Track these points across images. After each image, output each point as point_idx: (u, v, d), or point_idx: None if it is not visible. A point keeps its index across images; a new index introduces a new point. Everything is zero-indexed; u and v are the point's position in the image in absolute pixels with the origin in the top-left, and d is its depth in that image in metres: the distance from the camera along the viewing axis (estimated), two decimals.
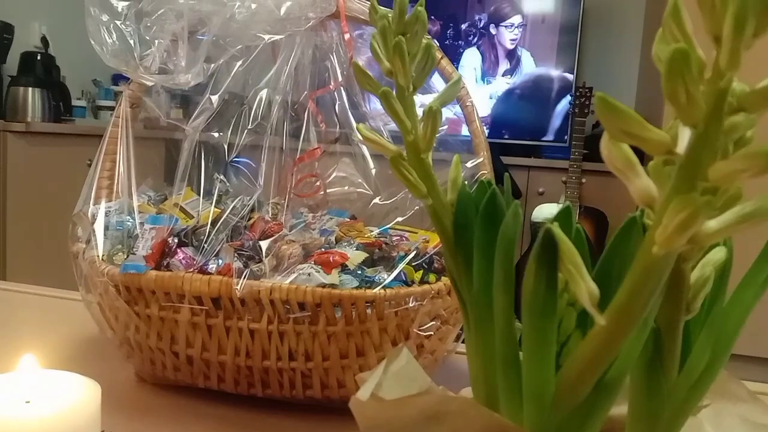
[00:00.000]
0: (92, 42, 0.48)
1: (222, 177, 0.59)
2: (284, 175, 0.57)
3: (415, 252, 0.61)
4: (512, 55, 3.39)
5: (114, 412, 0.48)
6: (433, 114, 0.26)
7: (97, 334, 0.73)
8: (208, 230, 0.52)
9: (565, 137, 3.22)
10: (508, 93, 3.38)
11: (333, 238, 0.60)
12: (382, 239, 0.61)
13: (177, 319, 0.52)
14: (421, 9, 0.28)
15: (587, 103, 3.07)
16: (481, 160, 0.59)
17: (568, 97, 3.25)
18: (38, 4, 3.20)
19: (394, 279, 0.54)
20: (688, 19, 0.16)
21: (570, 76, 3.30)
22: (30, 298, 0.89)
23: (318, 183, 0.59)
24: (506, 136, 3.32)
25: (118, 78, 3.81)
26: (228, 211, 0.53)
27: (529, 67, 3.37)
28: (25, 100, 2.53)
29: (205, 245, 0.51)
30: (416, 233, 0.68)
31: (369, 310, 0.50)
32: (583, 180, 2.97)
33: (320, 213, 0.67)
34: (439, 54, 0.61)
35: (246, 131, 0.55)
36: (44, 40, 3.12)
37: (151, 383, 0.59)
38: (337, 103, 0.59)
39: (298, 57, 0.58)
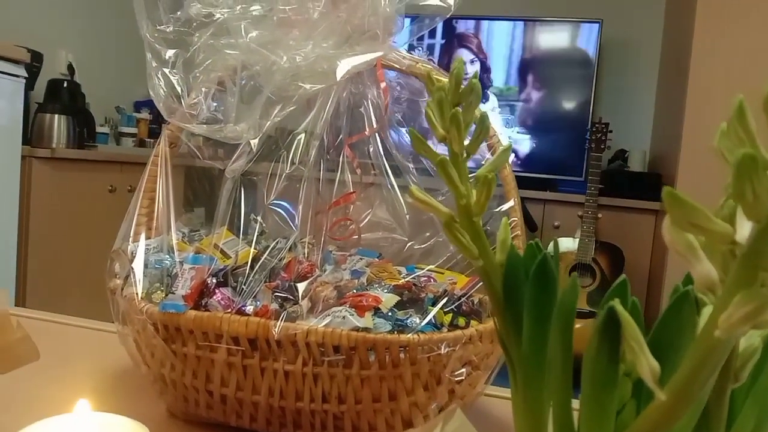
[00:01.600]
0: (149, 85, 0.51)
1: (258, 218, 0.61)
2: (319, 218, 0.58)
3: (444, 294, 0.62)
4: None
5: None
6: (487, 182, 0.28)
7: (126, 366, 0.74)
8: (247, 271, 0.53)
9: (582, 172, 3.24)
10: (525, 127, 3.40)
11: (364, 280, 0.61)
12: (411, 281, 0.62)
13: (213, 358, 0.53)
14: (475, 81, 0.29)
15: (603, 138, 3.08)
16: (512, 205, 0.60)
17: (585, 132, 3.27)
18: (66, 33, 3.29)
19: (407, 322, 0.55)
20: (752, 119, 0.17)
21: (586, 111, 3.31)
22: (52, 327, 0.90)
23: (352, 227, 0.60)
24: (522, 170, 3.34)
25: (140, 105, 3.88)
26: (267, 253, 0.55)
27: (546, 101, 3.40)
28: (50, 126, 2.59)
29: (244, 286, 0.53)
30: (443, 273, 0.69)
31: (402, 355, 0.51)
32: (599, 215, 2.96)
33: (349, 252, 0.68)
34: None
35: (284, 175, 0.57)
36: (70, 68, 3.20)
37: (183, 419, 0.60)
38: (372, 148, 0.61)
39: (334, 103, 0.60)
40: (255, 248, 0.60)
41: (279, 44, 0.53)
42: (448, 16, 0.49)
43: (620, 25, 3.61)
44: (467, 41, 3.48)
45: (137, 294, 0.56)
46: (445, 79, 0.61)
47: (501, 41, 3.44)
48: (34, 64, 2.39)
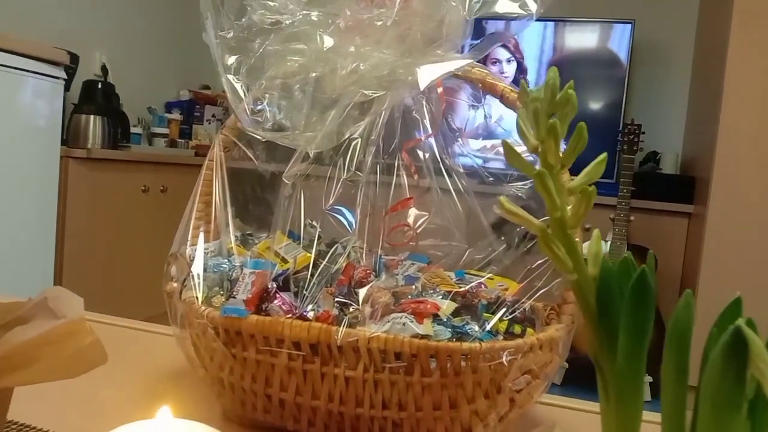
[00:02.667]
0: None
1: (313, 222, 0.61)
2: (376, 224, 0.58)
3: (497, 301, 0.61)
4: None
5: None
6: (588, 194, 0.27)
7: (179, 369, 0.75)
8: (308, 276, 0.53)
9: (613, 174, 3.20)
10: None
11: (419, 286, 0.61)
12: (465, 287, 0.62)
13: (274, 363, 0.53)
14: (571, 92, 0.29)
15: (636, 140, 3.04)
16: None
17: (617, 134, 3.23)
18: (99, 34, 3.34)
19: (466, 329, 0.55)
20: None
21: (618, 113, 3.28)
22: (95, 327, 0.91)
23: (410, 233, 0.60)
24: None
25: (171, 106, 3.93)
26: (327, 258, 0.55)
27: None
28: (86, 127, 2.63)
29: (305, 291, 0.53)
30: (493, 279, 0.69)
31: (463, 363, 0.51)
32: (632, 217, 2.92)
33: (399, 258, 0.68)
34: None
35: (341, 180, 0.57)
36: (104, 69, 3.25)
37: (239, 423, 0.61)
38: (428, 153, 0.61)
39: (390, 109, 0.60)
40: (312, 253, 0.60)
41: (341, 50, 0.53)
42: (529, 24, 0.49)
43: (653, 26, 3.56)
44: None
45: (197, 298, 0.56)
46: (503, 84, 0.61)
47: (532, 42, 3.41)
48: (70, 65, 2.44)
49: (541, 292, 0.62)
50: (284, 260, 0.60)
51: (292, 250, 0.61)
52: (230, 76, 0.52)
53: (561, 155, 0.29)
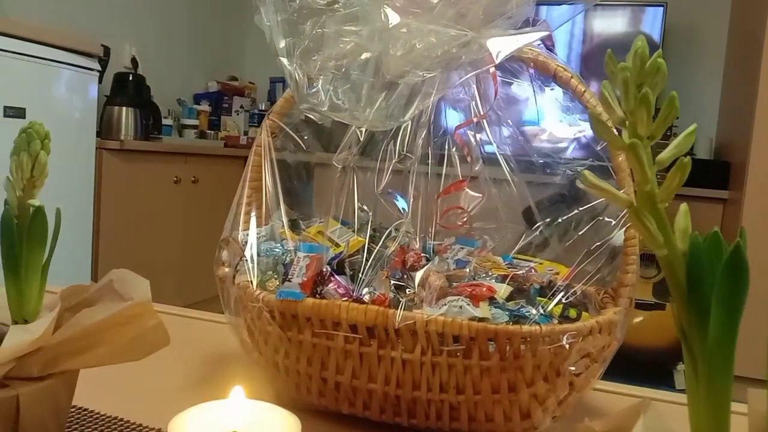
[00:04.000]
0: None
1: (364, 207, 0.61)
2: (428, 208, 0.58)
3: (550, 285, 0.61)
4: None
5: None
6: (683, 166, 0.26)
7: (226, 353, 0.75)
8: (364, 260, 0.53)
9: None
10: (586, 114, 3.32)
11: (471, 269, 0.60)
12: (517, 271, 0.61)
13: (330, 346, 0.53)
14: (661, 61, 0.28)
15: (670, 125, 2.98)
16: (629, 193, 0.58)
17: None
18: (129, 26, 3.38)
19: (524, 312, 0.54)
20: None
21: None
22: None
23: (465, 216, 0.59)
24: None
25: (199, 98, 3.96)
26: (381, 242, 0.54)
27: None
28: (119, 119, 2.66)
29: (361, 274, 0.53)
30: (542, 264, 0.68)
31: (522, 346, 0.50)
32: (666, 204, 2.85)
33: (448, 242, 0.68)
34: (582, 86, 0.61)
35: (392, 163, 0.56)
36: (134, 61, 3.28)
37: (291, 407, 0.61)
38: (480, 134, 0.60)
39: (437, 91, 0.59)
40: (363, 237, 0.60)
41: (395, 31, 0.52)
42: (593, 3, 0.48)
43: (685, 9, 3.48)
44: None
45: (252, 282, 0.56)
46: (556, 63, 0.59)
47: (561, 27, 3.36)
48: (103, 58, 2.47)
49: (595, 277, 0.61)
50: (336, 244, 0.60)
51: (343, 235, 0.61)
52: (284, 59, 0.52)
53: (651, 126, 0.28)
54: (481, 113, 0.59)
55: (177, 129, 3.40)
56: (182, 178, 2.93)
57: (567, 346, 0.50)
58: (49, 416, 0.42)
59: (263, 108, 4.23)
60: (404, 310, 0.51)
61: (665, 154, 0.29)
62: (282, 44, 0.53)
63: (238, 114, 3.94)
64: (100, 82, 2.77)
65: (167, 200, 2.83)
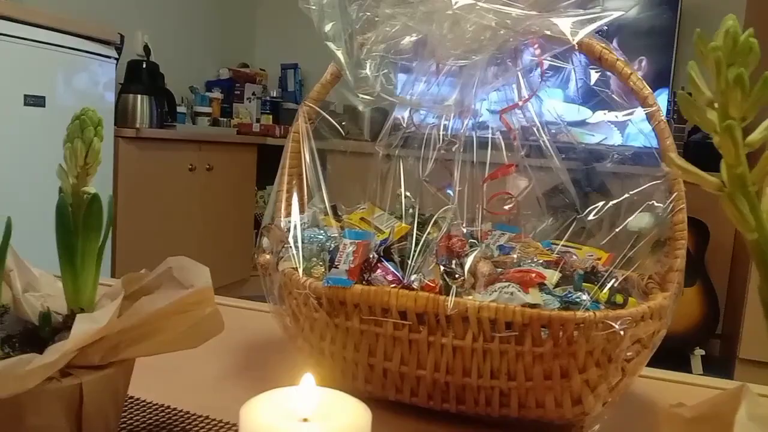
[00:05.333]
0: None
1: (407, 193, 0.60)
2: (474, 193, 0.57)
3: (594, 271, 0.60)
4: None
5: None
6: None
7: (264, 340, 0.75)
8: (413, 246, 0.52)
9: None
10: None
11: (516, 256, 0.60)
12: (562, 257, 0.61)
13: (378, 332, 0.53)
14: (754, 40, 0.27)
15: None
16: (676, 178, 0.57)
17: (665, 103, 3.14)
18: (141, 14, 3.36)
19: (575, 298, 0.54)
20: None
21: (666, 80, 3.18)
22: None
23: (512, 202, 0.59)
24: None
25: (211, 85, 3.95)
26: (428, 228, 0.54)
27: None
28: (134, 106, 2.66)
29: (409, 261, 0.52)
30: (581, 249, 0.67)
31: (575, 332, 0.50)
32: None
33: (486, 228, 0.67)
34: (628, 69, 0.60)
35: (437, 148, 0.56)
36: (146, 49, 3.27)
37: None
38: (524, 118, 0.59)
39: (482, 74, 0.58)
40: (407, 223, 0.60)
41: (442, 14, 0.51)
42: None
43: None
44: None
45: (298, 269, 0.56)
46: (601, 45, 0.58)
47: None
48: (118, 45, 2.46)
49: (637, 263, 0.61)
50: (379, 230, 0.59)
51: (387, 221, 0.60)
52: (330, 43, 0.51)
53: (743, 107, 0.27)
54: (526, 97, 0.58)
55: (190, 116, 3.39)
56: (197, 166, 2.93)
57: (621, 332, 0.49)
58: (109, 404, 0.42)
59: (275, 95, 4.22)
60: (454, 296, 0.51)
61: (755, 136, 0.28)
62: (328, 28, 0.52)
63: (250, 101, 3.93)
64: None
65: (183, 188, 2.84)
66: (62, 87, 2.05)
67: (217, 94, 3.76)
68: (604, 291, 0.57)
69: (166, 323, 0.41)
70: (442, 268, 0.52)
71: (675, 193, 0.58)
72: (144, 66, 2.89)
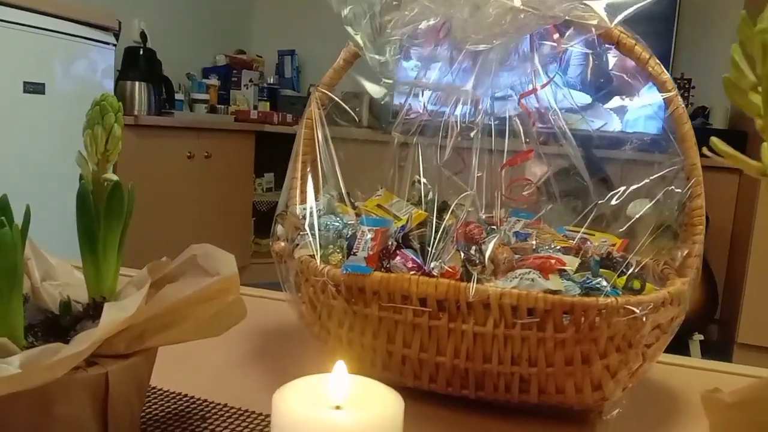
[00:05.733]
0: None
1: (424, 180, 0.60)
2: (493, 179, 0.57)
3: (610, 257, 0.60)
4: None
5: None
6: None
7: (278, 329, 0.75)
8: (432, 233, 0.52)
9: (662, 130, 3.09)
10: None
11: (534, 242, 0.60)
12: (580, 243, 0.61)
13: (397, 319, 0.53)
14: None
15: (685, 95, 2.95)
16: (694, 163, 0.57)
17: None
18: (137, 0, 3.33)
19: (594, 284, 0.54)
20: None
21: (666, 66, 3.16)
22: None
23: (532, 188, 0.58)
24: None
25: (207, 72, 3.93)
26: (448, 214, 0.54)
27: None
28: (132, 94, 2.64)
29: (429, 248, 0.52)
30: (594, 235, 0.67)
31: (597, 318, 0.50)
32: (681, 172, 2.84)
33: (501, 214, 0.67)
34: (646, 54, 0.60)
35: (454, 135, 0.55)
36: (143, 35, 3.24)
37: None
38: (543, 103, 0.59)
39: (500, 58, 0.58)
40: (423, 210, 0.59)
41: None
42: None
43: None
44: None
45: (315, 256, 0.56)
46: (619, 29, 0.58)
47: None
48: (116, 31, 2.43)
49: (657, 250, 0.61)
50: (396, 217, 0.59)
51: (402, 208, 0.60)
52: (349, 27, 0.50)
53: None
54: (544, 81, 0.58)
55: (188, 104, 3.37)
56: (195, 154, 2.91)
57: (643, 318, 0.49)
58: (133, 393, 0.42)
59: (272, 82, 4.19)
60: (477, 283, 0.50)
61: None
62: (347, 11, 0.51)
63: (247, 88, 3.90)
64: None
65: (181, 176, 2.82)
66: (61, 74, 2.02)
67: (214, 80, 3.74)
68: (621, 276, 0.57)
69: (190, 311, 0.41)
70: (462, 254, 0.51)
71: (693, 179, 0.58)
72: (141, 53, 2.86)
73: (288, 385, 0.35)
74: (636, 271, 0.61)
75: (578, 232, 0.66)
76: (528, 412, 0.55)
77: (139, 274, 0.42)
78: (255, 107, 3.83)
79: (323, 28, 4.35)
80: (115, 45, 2.32)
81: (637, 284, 0.58)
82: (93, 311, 0.43)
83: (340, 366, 0.35)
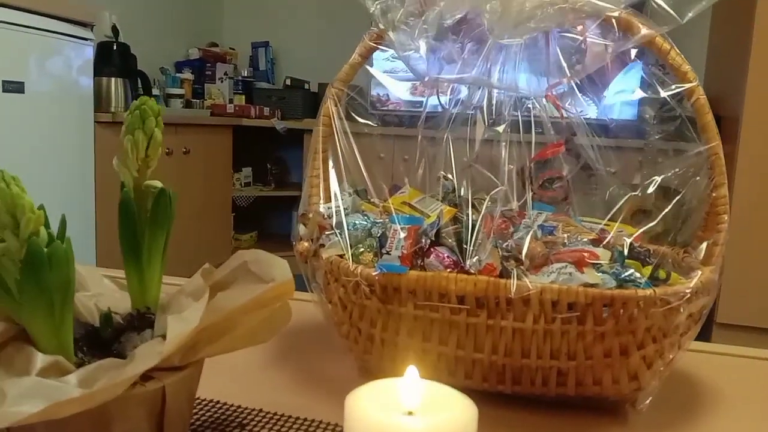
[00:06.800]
0: None
1: (448, 175, 0.59)
2: (523, 173, 0.57)
3: (633, 248, 0.60)
4: None
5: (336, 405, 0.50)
6: None
7: (300, 329, 0.74)
8: (469, 229, 0.52)
9: (636, 115, 3.13)
10: None
11: (564, 235, 0.60)
12: (605, 235, 0.61)
13: (434, 318, 0.53)
14: None
15: (661, 81, 2.98)
16: (717, 153, 0.58)
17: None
18: None
19: (628, 276, 0.54)
20: None
21: (641, 53, 3.19)
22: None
23: (561, 183, 0.58)
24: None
25: (181, 66, 3.86)
26: (483, 210, 0.53)
27: None
28: (108, 90, 2.58)
29: (467, 245, 0.52)
30: (609, 225, 0.68)
31: (635, 310, 0.50)
32: (659, 159, 2.88)
33: (521, 207, 0.67)
34: (667, 45, 0.60)
35: (483, 131, 0.55)
36: (114, 29, 3.17)
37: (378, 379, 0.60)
38: (570, 96, 0.59)
39: (527, 51, 0.58)
40: (448, 206, 0.59)
41: None
42: None
43: None
44: None
45: (348, 257, 0.55)
46: (639, 20, 0.58)
47: None
48: (94, 25, 2.37)
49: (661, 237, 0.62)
50: (425, 214, 0.59)
51: (429, 205, 0.59)
52: (377, 20, 0.50)
53: None
54: (569, 75, 0.57)
55: (163, 98, 3.31)
56: (174, 150, 2.86)
57: (681, 309, 0.50)
58: (185, 405, 0.41)
59: (246, 75, 4.14)
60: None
61: None
62: (374, 7, 0.50)
63: (222, 81, 3.85)
64: None
65: (161, 172, 2.76)
66: (40, 72, 1.96)
67: (187, 74, 3.68)
68: (646, 266, 0.58)
69: (241, 319, 0.40)
70: (500, 251, 0.51)
71: (716, 168, 0.59)
72: (114, 48, 2.79)
73: (359, 389, 0.34)
74: (658, 260, 0.62)
75: (593, 223, 0.67)
76: (562, 404, 0.56)
77: (190, 282, 0.41)
78: (230, 101, 3.78)
79: (296, 18, 4.31)
80: (93, 40, 2.26)
81: (662, 274, 0.58)
82: (138, 323, 0.42)
83: (412, 371, 0.35)
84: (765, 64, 2.64)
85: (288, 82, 3.93)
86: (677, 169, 0.57)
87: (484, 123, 0.56)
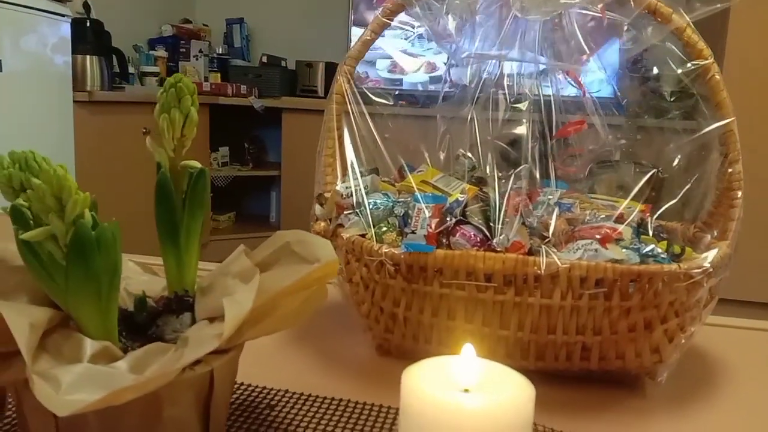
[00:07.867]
0: None
1: (467, 153, 0.59)
2: (545, 150, 0.57)
3: (643, 223, 0.61)
4: None
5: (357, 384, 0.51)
6: None
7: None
8: (495, 207, 0.52)
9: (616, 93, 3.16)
10: None
11: (585, 212, 0.60)
12: (620, 211, 0.62)
13: (460, 296, 0.53)
14: None
15: (639, 57, 3.01)
16: (731, 129, 0.59)
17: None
18: None
19: (649, 252, 0.55)
20: None
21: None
22: None
23: (580, 160, 0.59)
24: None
25: (154, 43, 3.76)
26: (509, 189, 0.53)
27: None
28: (83, 68, 2.50)
29: (493, 223, 0.52)
30: (618, 201, 0.69)
31: (659, 285, 0.51)
32: (638, 137, 2.92)
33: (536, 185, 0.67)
34: (684, 23, 0.60)
35: (507, 108, 0.55)
36: (86, 5, 3.07)
37: (396, 357, 0.61)
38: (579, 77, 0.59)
39: (540, 30, 0.57)
40: (467, 184, 0.59)
41: None
42: None
43: None
44: None
45: (369, 235, 0.55)
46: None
47: None
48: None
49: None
50: (446, 193, 0.58)
51: (450, 183, 0.59)
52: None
53: None
54: (588, 52, 0.58)
55: (138, 77, 3.23)
56: (151, 129, 2.80)
57: (705, 283, 0.51)
58: (229, 388, 0.40)
59: (221, 52, 4.05)
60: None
61: None
62: None
63: (197, 59, 3.77)
64: None
65: (138, 152, 2.71)
66: (15, 49, 1.89)
67: (162, 52, 3.59)
68: (662, 241, 0.59)
69: (283, 300, 0.39)
70: (529, 228, 0.52)
71: (730, 144, 0.59)
72: (88, 24, 2.71)
73: (416, 365, 0.34)
74: (670, 235, 0.63)
75: (602, 199, 0.67)
76: (580, 379, 0.57)
77: (231, 263, 0.40)
78: (206, 79, 3.70)
79: None
80: (69, 16, 2.19)
81: (677, 249, 0.59)
82: (176, 306, 0.41)
83: (468, 349, 0.35)
84: (739, 46, 2.68)
85: (264, 59, 3.86)
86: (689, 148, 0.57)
87: (506, 101, 0.55)
